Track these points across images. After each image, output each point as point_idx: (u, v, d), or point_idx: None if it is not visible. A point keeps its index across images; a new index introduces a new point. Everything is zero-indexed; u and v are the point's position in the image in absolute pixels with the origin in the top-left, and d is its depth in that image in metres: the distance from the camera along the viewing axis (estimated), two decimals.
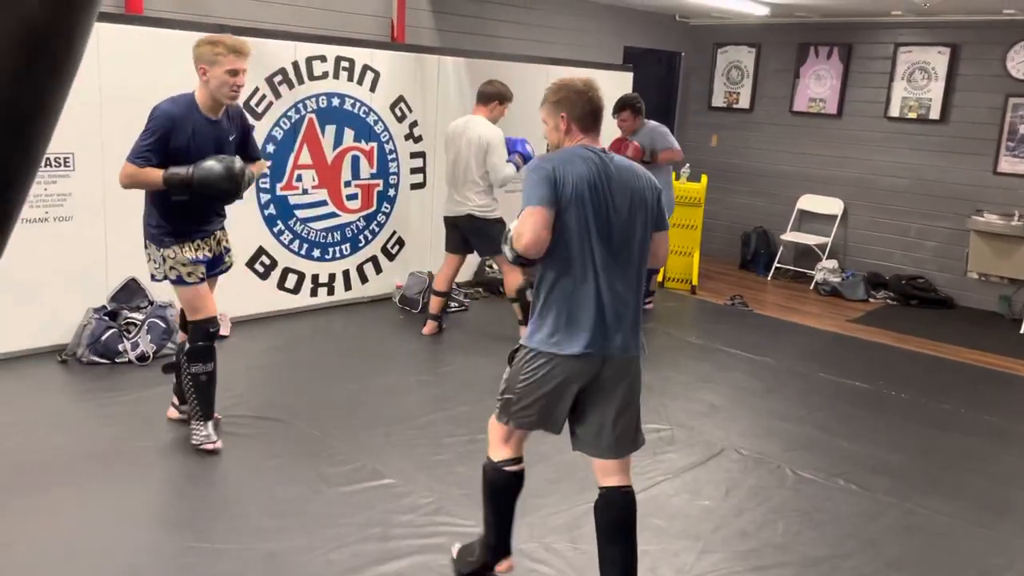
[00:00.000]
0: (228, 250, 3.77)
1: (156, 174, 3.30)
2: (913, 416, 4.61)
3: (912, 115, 7.59)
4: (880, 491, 3.63)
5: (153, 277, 3.53)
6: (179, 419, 3.80)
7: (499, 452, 2.65)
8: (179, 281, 3.44)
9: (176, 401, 3.84)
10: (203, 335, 3.48)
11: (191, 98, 3.41)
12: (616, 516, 2.59)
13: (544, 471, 3.59)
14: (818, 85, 8.14)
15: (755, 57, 8.56)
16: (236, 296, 5.27)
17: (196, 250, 3.48)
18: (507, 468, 2.65)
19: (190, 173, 3.30)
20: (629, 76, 7.72)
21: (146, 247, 3.50)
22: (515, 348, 2.59)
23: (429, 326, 5.40)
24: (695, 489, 3.55)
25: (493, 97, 5.24)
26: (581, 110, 2.51)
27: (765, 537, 3.19)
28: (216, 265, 3.66)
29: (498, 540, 2.73)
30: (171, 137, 3.31)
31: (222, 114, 3.48)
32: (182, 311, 3.65)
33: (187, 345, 3.51)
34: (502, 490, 2.68)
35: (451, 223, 5.32)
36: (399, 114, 6.00)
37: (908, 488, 3.68)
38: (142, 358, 4.53)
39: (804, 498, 3.53)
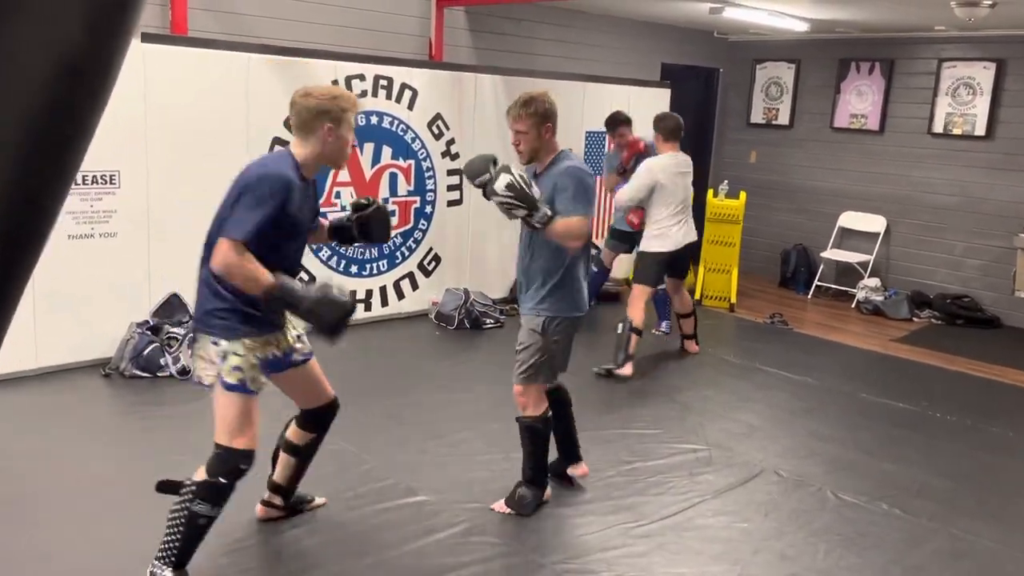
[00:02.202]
0: (300, 335, 2.99)
1: (263, 277, 2.57)
2: (959, 439, 4.49)
3: (957, 131, 7.45)
4: (925, 516, 3.53)
5: (199, 381, 2.69)
6: (270, 517, 3.18)
7: (542, 406, 3.31)
8: (239, 388, 2.61)
9: (271, 498, 3.18)
10: (231, 470, 2.66)
11: (290, 158, 2.81)
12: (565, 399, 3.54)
13: (580, 492, 3.56)
14: (859, 101, 8.03)
15: (795, 73, 8.48)
16: None
17: (267, 347, 2.71)
18: (549, 414, 3.35)
19: (307, 298, 2.62)
20: (667, 93, 7.70)
21: (195, 340, 2.70)
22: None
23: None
24: (734, 511, 3.49)
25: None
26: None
27: (806, 561, 3.12)
28: (282, 364, 2.87)
29: (548, 469, 3.43)
30: (286, 207, 2.69)
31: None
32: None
33: (203, 476, 2.67)
34: (548, 434, 3.37)
35: (685, 250, 5.48)
36: (436, 132, 6.04)
37: (954, 513, 3.58)
38: (183, 372, 4.59)
39: (846, 522, 3.45)
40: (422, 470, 3.66)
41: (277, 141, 5.20)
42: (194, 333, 2.71)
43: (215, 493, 2.63)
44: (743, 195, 7.29)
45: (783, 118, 8.60)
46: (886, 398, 5.05)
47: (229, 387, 2.61)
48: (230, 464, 2.65)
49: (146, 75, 4.58)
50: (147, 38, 4.62)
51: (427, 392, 4.59)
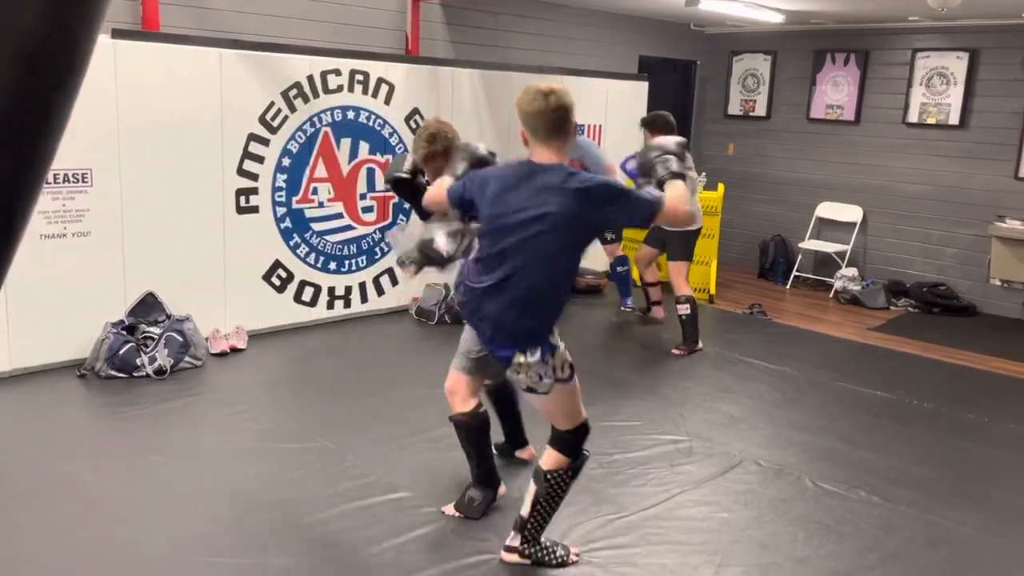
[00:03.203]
0: None
1: None
2: (936, 426, 4.54)
3: (931, 121, 7.52)
4: (903, 503, 3.57)
5: (529, 388, 2.75)
6: (519, 561, 2.95)
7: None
8: (571, 376, 2.78)
9: (518, 545, 2.95)
10: (585, 438, 2.91)
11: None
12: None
13: None
14: (835, 92, 8.08)
15: (771, 64, 8.52)
16: (252, 309, 5.31)
17: None
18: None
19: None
20: (644, 85, 7.71)
21: (544, 360, 2.68)
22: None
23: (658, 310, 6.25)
24: (714, 501, 3.51)
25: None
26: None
27: (785, 550, 3.14)
28: None
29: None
30: None
31: None
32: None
33: (558, 459, 2.86)
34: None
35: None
36: (414, 126, 6.01)
37: (931, 500, 3.62)
38: (159, 372, 4.55)
39: (825, 510, 3.47)
40: (403, 466, 3.64)
41: (252, 137, 5.16)
42: (539, 354, 2.68)
43: (583, 464, 2.95)
44: (721, 187, 7.32)
45: (760, 110, 8.64)
46: (864, 387, 5.09)
47: (570, 376, 2.78)
48: (586, 434, 2.91)
49: (117, 71, 4.52)
50: (118, 34, 4.56)
51: (408, 388, 4.58)
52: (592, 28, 7.74)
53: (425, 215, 3.31)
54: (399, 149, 5.96)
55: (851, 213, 8.01)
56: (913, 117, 7.61)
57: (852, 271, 7.75)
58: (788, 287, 8.07)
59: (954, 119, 7.38)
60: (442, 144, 3.36)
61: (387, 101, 5.81)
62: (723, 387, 4.98)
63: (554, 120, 2.61)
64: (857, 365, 5.63)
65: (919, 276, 7.64)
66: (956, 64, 7.33)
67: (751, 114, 8.71)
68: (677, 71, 8.92)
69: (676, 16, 7.93)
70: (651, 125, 5.61)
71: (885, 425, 4.50)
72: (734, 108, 8.83)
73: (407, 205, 3.28)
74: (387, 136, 5.87)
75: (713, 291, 7.17)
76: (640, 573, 2.94)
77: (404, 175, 3.34)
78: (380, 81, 5.73)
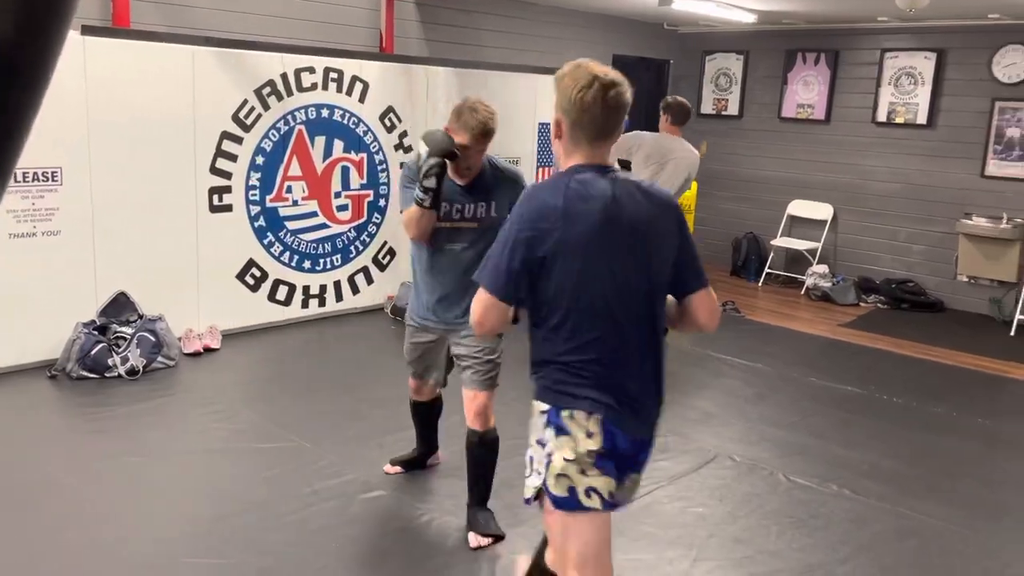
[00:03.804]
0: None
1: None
2: (906, 420, 4.62)
3: (900, 120, 7.63)
4: (874, 496, 3.63)
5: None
6: None
7: None
8: (571, 504, 1.98)
9: None
10: None
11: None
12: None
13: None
14: (806, 91, 8.18)
15: (743, 64, 8.60)
16: (226, 309, 5.27)
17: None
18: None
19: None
20: None
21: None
22: None
23: None
24: (689, 496, 3.54)
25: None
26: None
27: (759, 543, 3.18)
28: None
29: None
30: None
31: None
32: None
33: None
34: None
35: None
36: (389, 124, 6.00)
37: (902, 493, 3.68)
38: (132, 372, 4.50)
39: (798, 504, 3.52)
40: (380, 464, 3.64)
41: (225, 135, 5.12)
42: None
43: None
44: (695, 185, 7.38)
45: (732, 108, 8.72)
46: (835, 382, 5.17)
47: (559, 504, 2.12)
48: None
49: (87, 69, 4.46)
50: (88, 31, 4.50)
51: (384, 387, 4.57)
52: (566, 27, 7.76)
53: (438, 201, 2.97)
54: (374, 147, 5.95)
55: (822, 211, 8.11)
56: (882, 116, 7.72)
57: (823, 268, 7.86)
58: (760, 284, 8.15)
59: (922, 118, 7.49)
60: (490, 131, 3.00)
61: (361, 99, 5.79)
62: (697, 383, 5.03)
63: (618, 113, 2.00)
64: (828, 361, 5.71)
65: (888, 273, 7.76)
66: (924, 64, 7.45)
67: (724, 113, 8.79)
68: (651, 70, 8.97)
69: (649, 16, 7.98)
70: (671, 112, 5.26)
71: (856, 420, 4.57)
72: (707, 107, 8.90)
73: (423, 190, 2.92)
74: (361, 134, 5.85)
75: None
76: (617, 569, 2.95)
77: (453, 151, 2.93)
78: (354, 79, 5.71)
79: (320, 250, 5.77)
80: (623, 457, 2.02)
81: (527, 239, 1.92)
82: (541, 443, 2.03)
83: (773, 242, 8.20)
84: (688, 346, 5.78)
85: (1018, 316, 6.73)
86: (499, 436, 3.10)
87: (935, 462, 4.07)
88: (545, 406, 2.02)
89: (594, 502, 1.98)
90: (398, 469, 3.58)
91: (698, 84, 8.92)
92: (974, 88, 7.21)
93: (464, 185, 3.03)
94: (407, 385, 3.46)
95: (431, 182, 2.88)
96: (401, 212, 3.11)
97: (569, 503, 1.98)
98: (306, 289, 5.72)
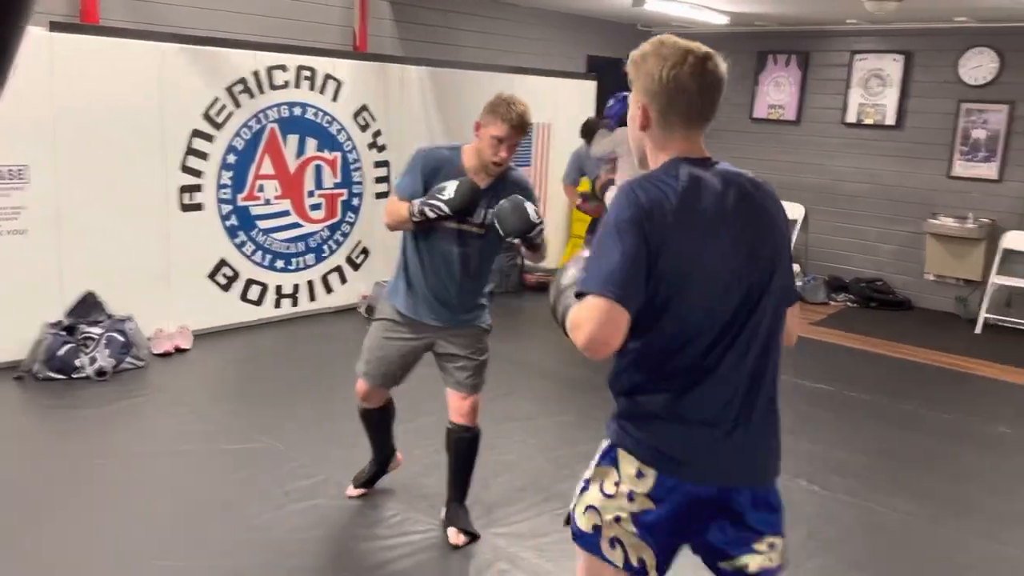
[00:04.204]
0: None
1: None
2: (874, 416, 4.68)
3: (869, 121, 7.74)
4: (842, 491, 3.68)
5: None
6: None
7: None
8: (592, 546, 1.69)
9: None
10: None
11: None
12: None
13: (511, 479, 3.59)
14: (777, 92, 8.26)
15: None
16: (197, 309, 5.22)
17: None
18: None
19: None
20: (593, 85, 7.79)
21: (615, 460, 1.69)
22: None
23: None
24: None
25: None
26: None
27: None
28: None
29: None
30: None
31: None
32: None
33: None
34: None
35: None
36: (362, 123, 5.98)
37: (870, 488, 3.74)
38: (100, 373, 4.44)
39: None
40: (353, 466, 3.62)
41: (196, 133, 5.07)
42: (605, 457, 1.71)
43: None
44: None
45: None
46: (805, 379, 5.23)
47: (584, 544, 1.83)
48: None
49: (55, 66, 4.40)
50: (56, 27, 4.44)
51: (353, 389, 4.55)
52: (541, 27, 7.78)
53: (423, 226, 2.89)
54: (347, 146, 5.92)
55: (793, 211, 8.20)
56: (851, 117, 7.82)
57: (795, 267, 7.93)
58: None
59: (890, 119, 7.60)
60: (528, 124, 2.93)
61: (335, 98, 5.76)
62: None
63: (717, 91, 1.70)
64: (799, 358, 5.77)
65: (858, 272, 7.86)
66: (892, 66, 7.56)
67: None
68: (625, 71, 8.99)
69: (623, 17, 8.01)
70: None
71: (825, 416, 4.63)
72: None
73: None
74: (335, 133, 5.82)
75: None
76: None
77: (470, 209, 2.84)
78: (327, 77, 5.68)
79: (293, 249, 5.74)
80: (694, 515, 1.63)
81: (637, 241, 1.54)
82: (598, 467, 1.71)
83: None
84: None
85: (983, 314, 6.85)
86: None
87: (902, 457, 4.14)
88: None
89: (615, 557, 1.65)
90: (362, 491, 3.37)
91: None
92: (941, 90, 7.32)
93: (482, 188, 2.88)
94: (356, 396, 3.27)
95: (432, 215, 2.78)
96: (392, 194, 2.99)
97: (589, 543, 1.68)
98: (279, 289, 5.69)
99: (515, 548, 3.05)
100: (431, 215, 2.78)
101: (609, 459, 1.66)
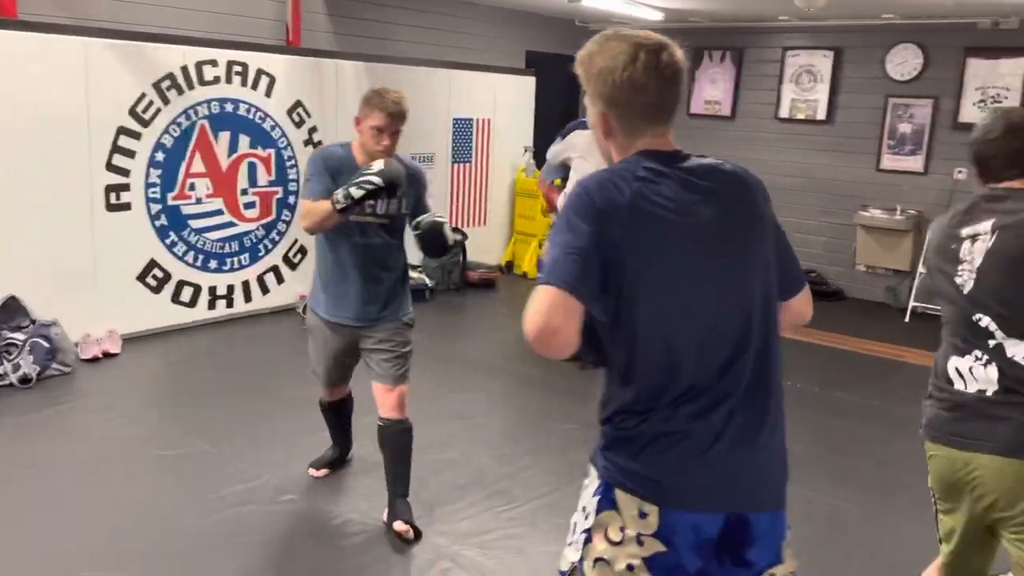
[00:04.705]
0: None
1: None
2: (808, 405, 4.79)
3: (801, 116, 7.91)
4: None
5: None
6: None
7: None
8: None
9: None
10: None
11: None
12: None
13: (453, 477, 3.56)
14: (713, 88, 8.39)
15: None
16: (126, 312, 5.06)
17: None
18: None
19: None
20: (532, 81, 7.79)
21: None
22: None
23: None
24: None
25: None
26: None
27: None
28: None
29: None
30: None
31: None
32: None
33: None
34: None
35: None
36: (297, 119, 5.86)
37: (807, 476, 3.81)
38: (24, 380, 4.27)
39: None
40: (292, 468, 3.56)
41: (122, 131, 4.91)
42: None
43: None
44: None
45: None
46: None
47: None
48: None
49: None
50: None
51: (295, 388, 4.46)
52: (479, 22, 7.75)
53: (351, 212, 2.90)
54: (282, 143, 5.80)
55: None
56: (784, 112, 7.98)
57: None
58: None
59: (821, 114, 7.78)
60: (404, 112, 3.01)
61: (268, 93, 5.64)
62: None
63: (677, 82, 1.57)
64: None
65: None
66: (822, 62, 7.74)
67: None
68: (564, 67, 9.00)
69: (561, 12, 8.03)
70: None
71: None
72: None
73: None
74: (268, 130, 5.70)
75: None
76: (530, 562, 2.97)
77: (397, 186, 2.88)
78: (260, 73, 5.56)
79: (227, 249, 5.60)
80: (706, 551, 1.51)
81: (588, 241, 1.44)
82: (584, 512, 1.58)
83: None
84: None
85: (912, 303, 7.07)
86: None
87: (837, 445, 4.24)
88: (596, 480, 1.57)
89: None
90: (325, 471, 3.50)
91: None
92: (869, 85, 7.52)
93: None
94: (318, 386, 3.38)
95: (360, 195, 2.79)
96: (303, 199, 3.04)
97: None
98: (212, 290, 5.54)
99: (457, 546, 3.02)
100: (359, 193, 2.77)
101: (608, 502, 1.51)
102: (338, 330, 3.09)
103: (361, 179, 2.79)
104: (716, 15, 7.73)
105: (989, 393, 1.94)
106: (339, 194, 2.81)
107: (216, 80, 5.31)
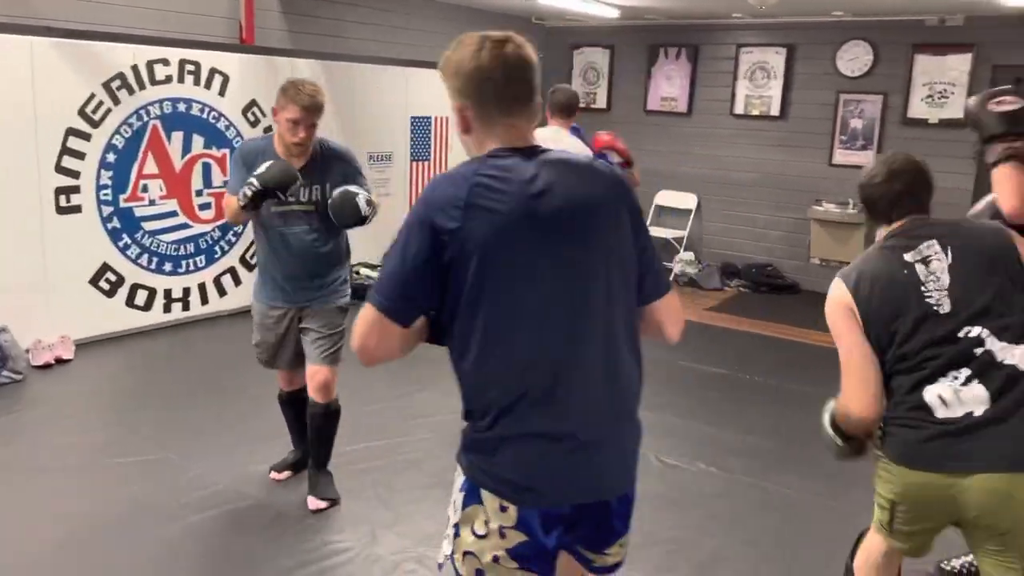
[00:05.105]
0: None
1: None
2: (766, 397, 4.87)
3: (755, 112, 8.02)
4: (739, 471, 3.81)
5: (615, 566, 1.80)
6: None
7: None
8: None
9: None
10: None
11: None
12: None
13: (417, 477, 3.56)
14: (669, 85, 8.47)
15: (609, 58, 8.81)
16: (79, 317, 4.95)
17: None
18: None
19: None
20: None
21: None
22: None
23: None
24: None
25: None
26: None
27: (634, 524, 3.25)
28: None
29: None
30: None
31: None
32: None
33: None
34: None
35: None
36: (252, 119, 5.79)
37: (764, 467, 3.88)
38: None
39: (668, 484, 3.65)
40: (253, 473, 3.52)
41: (71, 132, 4.80)
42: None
43: None
44: None
45: (601, 102, 8.92)
46: (702, 364, 5.39)
47: None
48: None
49: None
50: None
51: (254, 391, 4.41)
52: (435, 20, 7.72)
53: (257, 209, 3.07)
54: (236, 142, 5.72)
55: (687, 200, 8.43)
56: (739, 109, 8.09)
57: (689, 255, 8.17)
58: None
59: (775, 110, 7.91)
60: (319, 105, 3.04)
61: (222, 92, 5.55)
62: None
63: (525, 72, 1.62)
64: (696, 344, 5.95)
65: (749, 258, 8.15)
66: (775, 59, 7.86)
67: (593, 106, 8.97)
68: None
69: (517, 9, 8.04)
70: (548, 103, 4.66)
71: (722, 399, 4.79)
72: None
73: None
74: (223, 129, 5.62)
75: None
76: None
77: (283, 189, 2.98)
78: (213, 71, 5.48)
79: (182, 251, 5.51)
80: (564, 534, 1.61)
81: (421, 243, 1.49)
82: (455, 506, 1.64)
83: None
84: None
85: None
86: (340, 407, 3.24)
87: (793, 436, 4.32)
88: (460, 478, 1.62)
89: None
90: (287, 473, 3.49)
91: (567, 78, 9.07)
92: (821, 81, 7.66)
93: (298, 168, 3.03)
94: (278, 383, 3.41)
95: (250, 194, 2.91)
96: (226, 193, 3.16)
97: None
98: (168, 293, 5.45)
99: (422, 548, 3.02)
100: (248, 193, 2.90)
101: (473, 497, 1.58)
102: (275, 314, 3.20)
103: (248, 181, 2.92)
104: (671, 12, 7.80)
105: (978, 413, 1.91)
106: (244, 191, 2.93)
107: (168, 79, 5.22)
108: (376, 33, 7.16)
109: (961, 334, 1.96)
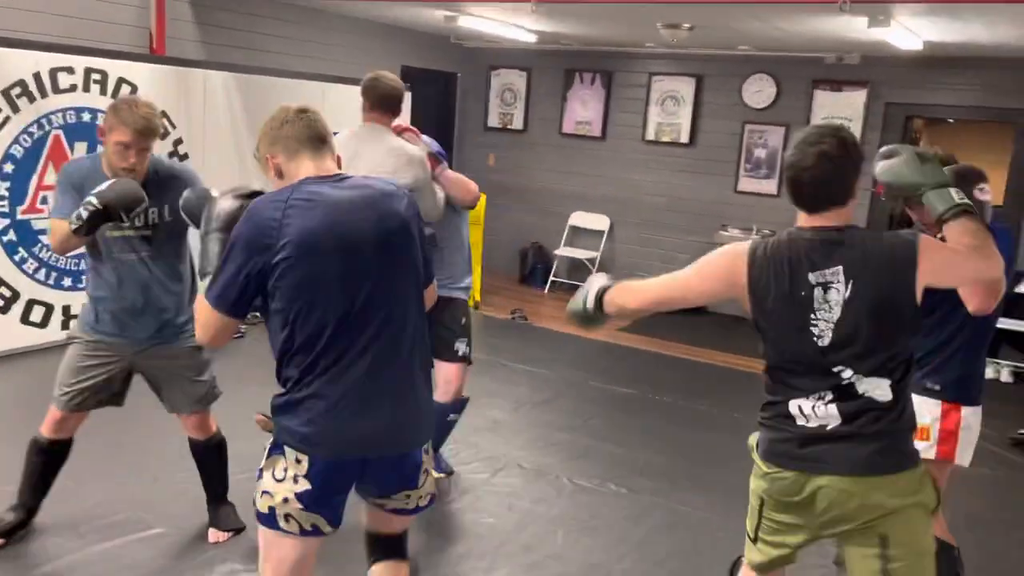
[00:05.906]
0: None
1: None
2: (673, 418, 5.02)
3: (666, 139, 8.29)
4: (647, 492, 3.92)
5: (429, 502, 2.21)
6: None
7: None
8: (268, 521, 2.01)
9: None
10: None
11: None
12: None
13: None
14: (584, 109, 8.66)
15: (526, 80, 8.95)
16: None
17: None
18: None
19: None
20: (407, 96, 7.76)
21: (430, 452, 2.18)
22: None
23: None
24: (481, 507, 3.64)
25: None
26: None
27: (546, 549, 3.33)
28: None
29: None
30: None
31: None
32: None
33: None
34: None
35: None
36: (162, 132, 5.62)
37: (671, 487, 4.01)
38: None
39: (580, 506, 3.73)
40: (157, 500, 3.41)
41: None
42: (425, 446, 2.13)
43: None
44: (483, 197, 7.56)
45: (517, 123, 9.05)
46: (612, 384, 5.52)
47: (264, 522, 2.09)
48: None
49: None
50: None
51: (160, 412, 4.27)
52: (353, 35, 7.68)
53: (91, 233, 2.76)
54: None
55: (600, 222, 8.62)
56: (651, 134, 8.34)
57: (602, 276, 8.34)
58: (546, 292, 8.52)
59: (684, 137, 8.19)
60: (154, 129, 2.79)
61: None
62: (488, 392, 5.16)
63: (318, 125, 2.10)
64: (607, 364, 6.09)
65: None
66: (685, 87, 8.14)
67: (509, 127, 9.09)
68: (439, 83, 9.08)
69: (437, 28, 8.08)
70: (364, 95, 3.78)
71: (630, 420, 4.91)
72: (493, 121, 9.16)
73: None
74: None
75: (478, 297, 7.40)
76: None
77: (124, 212, 2.69)
78: (120, 81, 5.31)
79: (82, 266, 5.29)
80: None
81: (244, 262, 1.90)
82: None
83: (557, 252, 8.60)
84: (480, 355, 5.89)
85: None
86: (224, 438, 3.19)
87: (698, 455, 4.47)
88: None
89: (292, 527, 1.98)
90: (1, 541, 2.99)
91: (484, 98, 9.17)
92: (728, 111, 7.98)
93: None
94: (41, 427, 3.06)
95: (86, 215, 2.62)
96: (50, 217, 2.83)
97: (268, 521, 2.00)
98: (66, 309, 5.23)
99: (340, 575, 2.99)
100: (84, 214, 2.61)
101: (278, 449, 1.97)
102: (107, 352, 2.90)
103: (86, 199, 2.62)
104: (586, 39, 7.99)
105: (830, 427, 2.04)
106: (78, 213, 2.63)
107: (72, 88, 5.03)
108: (293, 47, 7.08)
109: (835, 369, 2.02)
